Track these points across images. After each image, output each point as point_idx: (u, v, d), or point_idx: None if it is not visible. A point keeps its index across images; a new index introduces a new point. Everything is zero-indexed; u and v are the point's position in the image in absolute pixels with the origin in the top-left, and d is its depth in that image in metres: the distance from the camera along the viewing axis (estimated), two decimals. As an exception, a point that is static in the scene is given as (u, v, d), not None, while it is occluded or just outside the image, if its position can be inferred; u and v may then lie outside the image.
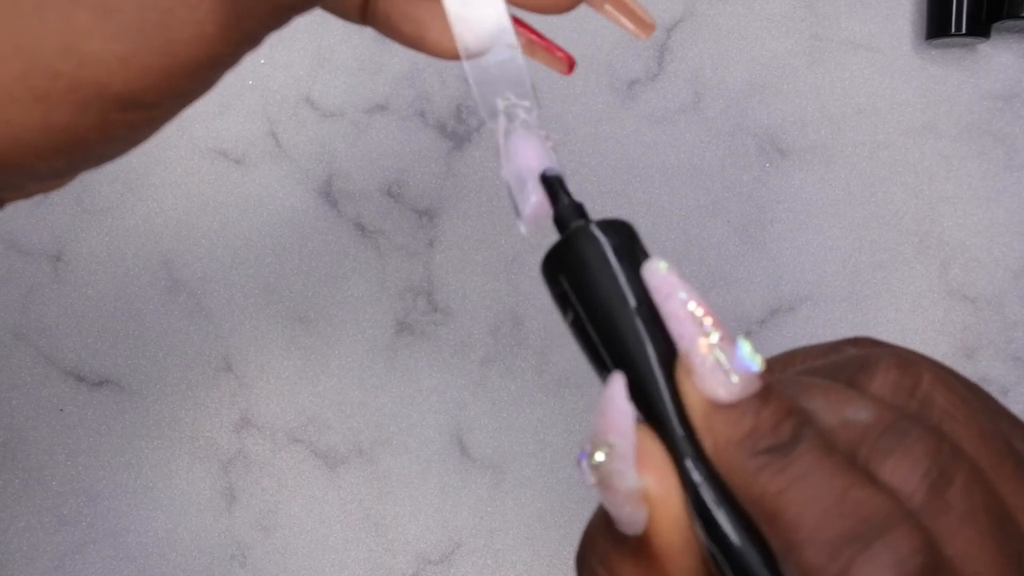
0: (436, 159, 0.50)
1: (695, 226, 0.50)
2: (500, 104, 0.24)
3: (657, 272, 0.20)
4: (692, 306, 0.20)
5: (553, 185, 0.23)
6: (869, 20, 0.51)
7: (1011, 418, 0.21)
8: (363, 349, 0.50)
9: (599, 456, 0.19)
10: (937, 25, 0.49)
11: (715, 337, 0.19)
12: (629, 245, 0.21)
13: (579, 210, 0.23)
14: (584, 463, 0.19)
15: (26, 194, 0.24)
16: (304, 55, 0.50)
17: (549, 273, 0.22)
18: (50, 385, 0.49)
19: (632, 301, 0.20)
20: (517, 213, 0.24)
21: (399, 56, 0.51)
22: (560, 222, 0.23)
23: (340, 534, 0.49)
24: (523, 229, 0.24)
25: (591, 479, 0.19)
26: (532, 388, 0.50)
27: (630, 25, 0.27)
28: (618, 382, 0.20)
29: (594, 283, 0.21)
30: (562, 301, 0.22)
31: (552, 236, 0.23)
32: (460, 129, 0.51)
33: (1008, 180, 0.50)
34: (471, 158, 0.50)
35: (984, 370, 0.50)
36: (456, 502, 0.49)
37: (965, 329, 0.50)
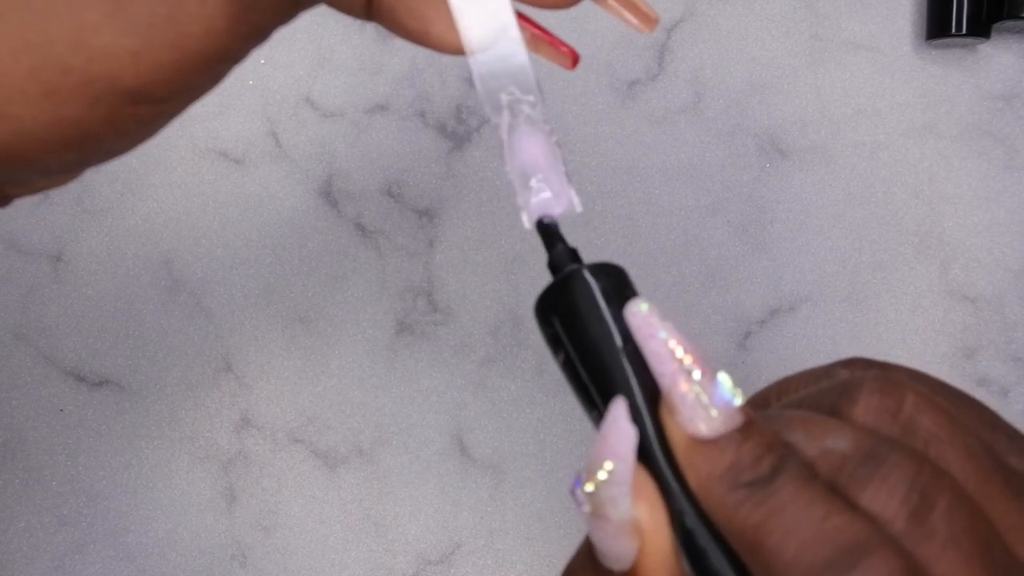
0: (436, 159, 0.50)
1: (695, 226, 0.50)
2: (504, 99, 0.25)
3: (638, 313, 0.20)
4: (672, 344, 0.20)
5: (549, 231, 0.24)
6: (869, 20, 0.51)
7: (1009, 431, 0.21)
8: (363, 349, 0.50)
9: (596, 481, 0.19)
10: (937, 25, 0.49)
11: (696, 375, 0.20)
12: (619, 287, 0.22)
13: (573, 255, 0.23)
14: (579, 491, 0.20)
15: (33, 190, 0.24)
16: (304, 55, 0.50)
17: (542, 315, 0.22)
18: (50, 385, 0.49)
19: (619, 342, 0.21)
20: (521, 208, 0.24)
21: (399, 56, 0.51)
22: (554, 266, 0.23)
23: (340, 534, 0.49)
24: (527, 223, 0.24)
25: (585, 507, 0.20)
26: (532, 388, 0.50)
27: (633, 19, 0.27)
28: (620, 406, 0.20)
29: (584, 324, 0.21)
30: (554, 342, 0.22)
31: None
32: (460, 129, 0.51)
33: (1008, 180, 0.50)
34: (471, 158, 0.50)
35: (984, 370, 0.50)
36: (456, 502, 0.49)
37: (965, 329, 0.50)
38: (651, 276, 0.49)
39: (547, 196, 0.24)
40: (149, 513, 0.49)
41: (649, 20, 0.27)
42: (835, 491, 0.19)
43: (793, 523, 0.18)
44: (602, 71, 0.51)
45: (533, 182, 0.24)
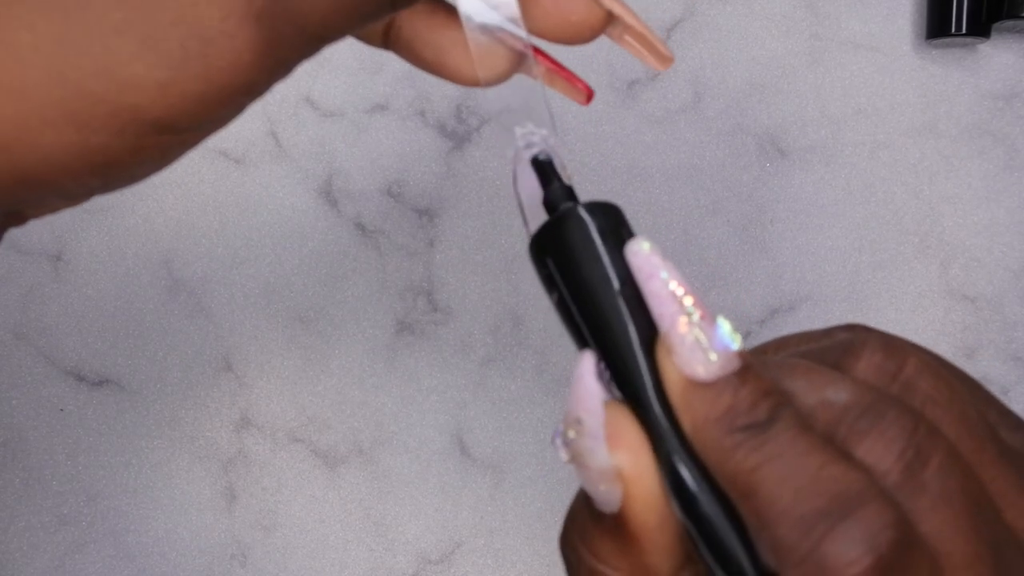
0: (436, 159, 0.50)
1: (695, 226, 0.50)
2: (518, 132, 0.25)
3: (640, 252, 0.20)
4: (673, 285, 0.20)
5: (544, 168, 0.24)
6: (869, 20, 0.51)
7: (1001, 408, 0.21)
8: (363, 349, 0.50)
9: (569, 434, 0.20)
10: (937, 25, 0.49)
11: (695, 316, 0.20)
12: (615, 227, 0.21)
13: (568, 192, 0.23)
14: (558, 440, 0.20)
15: (51, 210, 0.25)
16: (304, 55, 0.50)
17: (536, 254, 0.22)
18: (50, 385, 0.49)
19: (615, 282, 0.21)
20: (529, 234, 0.24)
21: (404, 60, 0.51)
22: (549, 204, 0.23)
23: (340, 534, 0.49)
24: None
25: (565, 456, 0.20)
26: (532, 388, 0.50)
27: (650, 58, 0.27)
28: (587, 361, 0.20)
29: (579, 264, 0.21)
30: (548, 281, 0.22)
31: None
32: (460, 129, 0.51)
33: (1008, 180, 0.50)
34: (471, 158, 0.50)
35: (984, 370, 0.50)
36: (456, 502, 0.49)
37: (965, 329, 0.50)
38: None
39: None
40: (149, 513, 0.49)
41: (664, 59, 0.27)
42: (831, 441, 0.19)
43: (788, 470, 0.18)
44: (602, 71, 0.51)
45: (539, 204, 0.24)
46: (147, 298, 0.50)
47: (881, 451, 0.18)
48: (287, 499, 0.49)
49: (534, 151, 0.24)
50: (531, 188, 0.24)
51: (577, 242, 0.21)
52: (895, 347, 0.21)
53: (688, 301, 0.20)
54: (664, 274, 0.20)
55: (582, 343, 0.21)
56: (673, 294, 0.20)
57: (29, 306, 0.50)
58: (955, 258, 0.50)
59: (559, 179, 0.23)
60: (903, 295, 0.50)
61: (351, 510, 0.49)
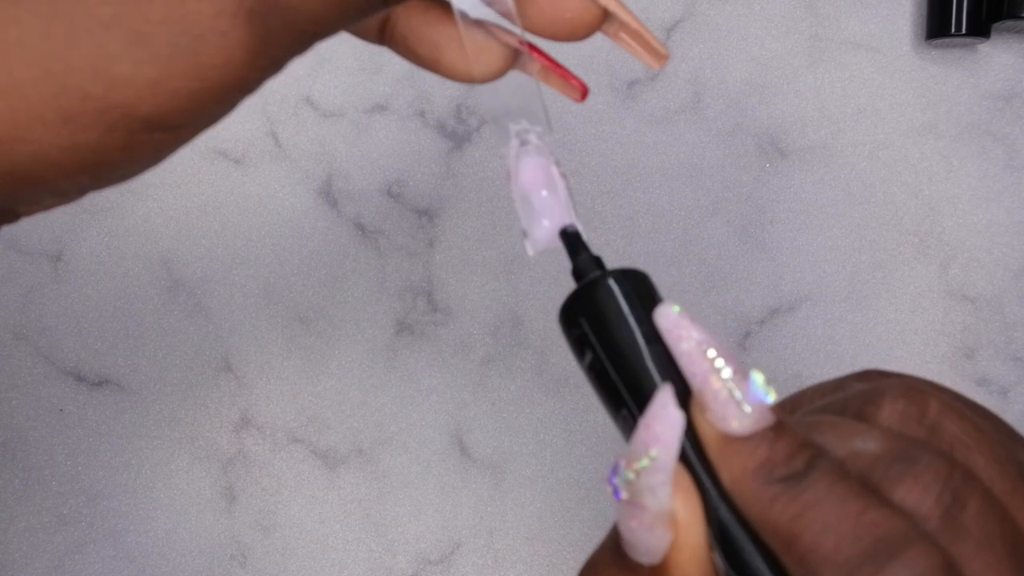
0: (436, 159, 0.50)
1: (695, 226, 0.50)
2: (512, 129, 0.25)
3: (669, 315, 0.21)
4: (704, 346, 0.20)
5: (572, 240, 0.24)
6: (869, 20, 0.51)
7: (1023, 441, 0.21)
8: (363, 349, 0.50)
9: (639, 465, 0.19)
10: (937, 25, 0.49)
11: (727, 372, 0.20)
12: (644, 291, 0.23)
13: (597, 262, 0.24)
14: (616, 479, 0.20)
15: (43, 208, 0.25)
16: (304, 55, 0.50)
17: (567, 318, 0.23)
18: (50, 385, 0.49)
19: (645, 344, 0.21)
20: (524, 235, 0.24)
21: (399, 56, 0.51)
22: (578, 273, 0.24)
23: (340, 534, 0.49)
24: (530, 251, 0.25)
25: (623, 495, 0.20)
26: (532, 388, 0.50)
27: (645, 55, 0.27)
28: (668, 392, 0.20)
29: (612, 326, 0.22)
30: (579, 344, 0.23)
31: (558, 252, 0.24)
32: (460, 129, 0.51)
33: (1008, 180, 0.50)
34: (471, 158, 0.50)
35: (984, 370, 0.50)
36: (456, 502, 0.49)
37: (965, 329, 0.50)
38: (651, 276, 0.49)
39: (546, 224, 0.24)
40: (149, 513, 0.49)
41: (659, 56, 0.27)
42: (868, 488, 0.19)
43: (829, 518, 0.18)
44: (602, 71, 0.51)
45: (535, 202, 0.24)
46: (147, 298, 0.50)
47: (918, 496, 0.18)
48: (287, 499, 0.49)
49: (529, 147, 0.24)
50: (526, 185, 0.24)
51: (609, 307, 0.22)
52: (915, 391, 0.21)
53: (720, 360, 0.20)
54: (696, 335, 0.20)
55: (616, 402, 0.22)
56: (703, 353, 0.20)
57: (29, 306, 0.50)
58: (955, 258, 0.50)
59: (587, 249, 0.24)
60: (903, 295, 0.50)
61: (351, 510, 0.49)
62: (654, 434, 0.20)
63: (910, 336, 0.50)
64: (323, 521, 0.49)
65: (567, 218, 0.24)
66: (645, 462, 0.19)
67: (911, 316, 0.50)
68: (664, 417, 0.20)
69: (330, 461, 0.50)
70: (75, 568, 0.49)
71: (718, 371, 0.20)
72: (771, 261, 0.50)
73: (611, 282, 0.22)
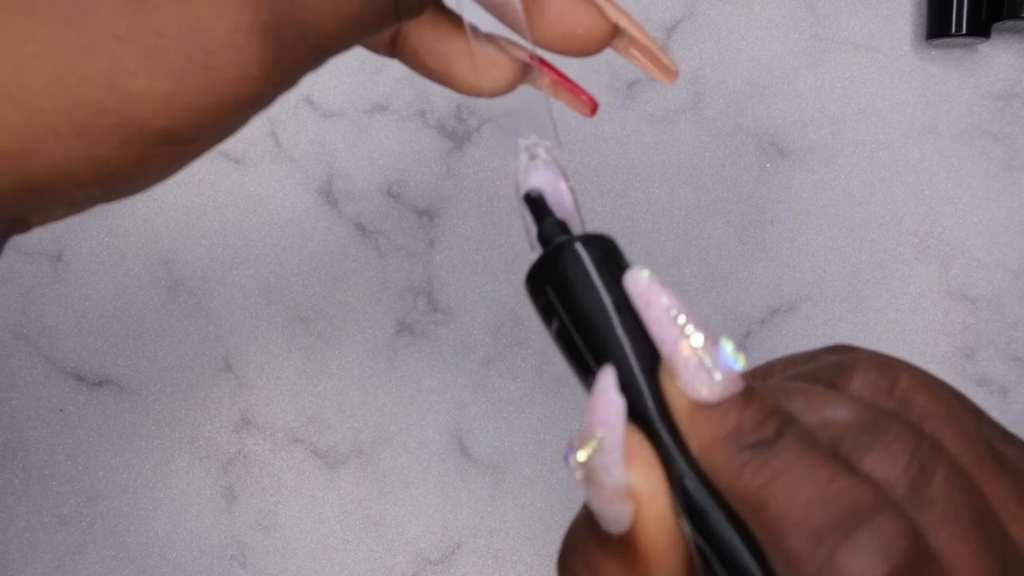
0: (436, 159, 0.50)
1: (695, 226, 0.50)
2: (521, 143, 0.25)
3: (639, 280, 0.21)
4: (674, 312, 0.20)
5: (537, 204, 0.24)
6: (869, 20, 0.51)
7: (991, 421, 0.21)
8: (363, 349, 0.50)
9: (587, 450, 0.20)
10: (937, 25, 0.49)
11: (697, 339, 0.20)
12: (612, 257, 0.22)
13: (562, 226, 0.23)
14: (571, 458, 0.20)
15: (54, 218, 0.25)
16: (304, 55, 0.50)
17: (534, 285, 0.22)
18: (50, 385, 0.49)
19: (612, 309, 0.21)
20: (532, 246, 0.24)
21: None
22: (544, 238, 0.23)
23: (340, 534, 0.49)
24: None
25: (578, 475, 0.20)
26: (532, 388, 0.50)
27: (655, 70, 0.28)
28: (609, 376, 0.20)
29: (579, 292, 0.21)
30: (546, 311, 0.22)
31: None
32: (460, 129, 0.51)
33: (1008, 180, 0.50)
34: (471, 158, 0.50)
35: (984, 370, 0.50)
36: (456, 502, 0.49)
37: (965, 329, 0.50)
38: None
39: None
40: (149, 513, 0.49)
41: (669, 72, 0.28)
42: (838, 456, 0.19)
43: (798, 485, 0.18)
44: (602, 71, 0.51)
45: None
46: (147, 298, 0.50)
47: (886, 466, 0.18)
48: (287, 499, 0.49)
49: (538, 161, 0.25)
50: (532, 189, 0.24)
51: (575, 273, 0.22)
52: (887, 364, 0.21)
53: (689, 326, 0.20)
54: (664, 300, 0.20)
55: (583, 369, 0.21)
56: (674, 319, 0.20)
57: (29, 306, 0.50)
58: (955, 258, 0.50)
59: (551, 213, 0.24)
60: (903, 295, 0.50)
61: (351, 510, 0.49)
62: (599, 417, 0.20)
63: (910, 336, 0.50)
64: (323, 521, 0.49)
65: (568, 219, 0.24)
66: (594, 444, 0.20)
67: (911, 316, 0.50)
68: (604, 401, 0.20)
69: (330, 461, 0.50)
70: (75, 568, 0.49)
71: (688, 337, 0.20)
72: (771, 261, 0.50)
73: (578, 246, 0.22)
